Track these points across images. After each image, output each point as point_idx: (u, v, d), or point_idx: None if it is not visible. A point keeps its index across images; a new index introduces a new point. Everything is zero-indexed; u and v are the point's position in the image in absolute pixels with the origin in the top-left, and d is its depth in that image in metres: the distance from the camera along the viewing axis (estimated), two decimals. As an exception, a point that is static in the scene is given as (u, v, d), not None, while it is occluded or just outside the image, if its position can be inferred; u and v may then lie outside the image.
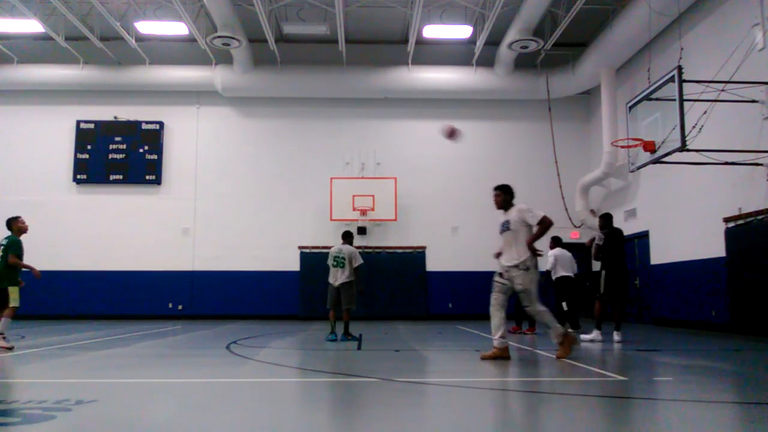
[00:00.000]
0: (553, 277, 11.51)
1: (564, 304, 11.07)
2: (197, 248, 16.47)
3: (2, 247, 7.83)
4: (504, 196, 6.69)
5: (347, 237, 9.53)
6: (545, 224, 6.33)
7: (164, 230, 16.56)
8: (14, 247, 7.83)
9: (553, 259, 11.28)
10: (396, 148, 16.89)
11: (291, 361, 6.82)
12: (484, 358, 6.44)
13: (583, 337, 8.94)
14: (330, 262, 9.20)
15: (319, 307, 14.88)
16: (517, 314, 11.33)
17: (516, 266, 6.32)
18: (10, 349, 7.46)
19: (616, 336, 8.89)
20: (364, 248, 16.08)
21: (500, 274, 6.52)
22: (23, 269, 7.94)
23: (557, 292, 11.33)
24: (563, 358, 6.35)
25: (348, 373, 5.44)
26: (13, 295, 7.65)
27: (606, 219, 9.56)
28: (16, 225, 8.05)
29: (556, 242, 11.69)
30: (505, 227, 6.51)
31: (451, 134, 7.51)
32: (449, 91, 16.58)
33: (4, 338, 7.54)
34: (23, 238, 8.10)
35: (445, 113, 17.14)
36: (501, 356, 6.36)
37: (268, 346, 8.34)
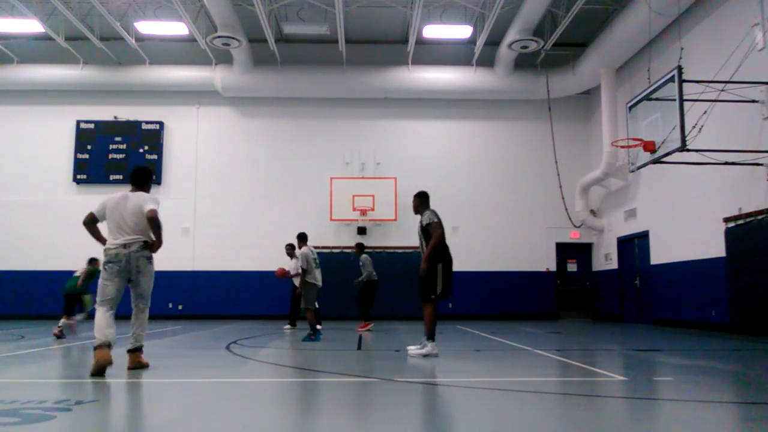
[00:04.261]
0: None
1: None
2: (197, 248, 16.47)
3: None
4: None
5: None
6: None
7: (164, 230, 16.51)
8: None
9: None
10: (396, 148, 16.89)
11: (291, 361, 6.82)
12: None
13: (411, 351, 6.75)
14: (314, 264, 9.19)
15: (320, 306, 14.91)
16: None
17: None
18: None
19: (425, 347, 6.61)
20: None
21: None
22: None
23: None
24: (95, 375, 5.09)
25: (348, 373, 5.43)
26: None
27: (422, 198, 7.33)
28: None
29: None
30: None
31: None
32: (449, 91, 16.58)
33: None
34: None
35: (445, 113, 17.19)
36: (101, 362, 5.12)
37: (268, 346, 8.34)
